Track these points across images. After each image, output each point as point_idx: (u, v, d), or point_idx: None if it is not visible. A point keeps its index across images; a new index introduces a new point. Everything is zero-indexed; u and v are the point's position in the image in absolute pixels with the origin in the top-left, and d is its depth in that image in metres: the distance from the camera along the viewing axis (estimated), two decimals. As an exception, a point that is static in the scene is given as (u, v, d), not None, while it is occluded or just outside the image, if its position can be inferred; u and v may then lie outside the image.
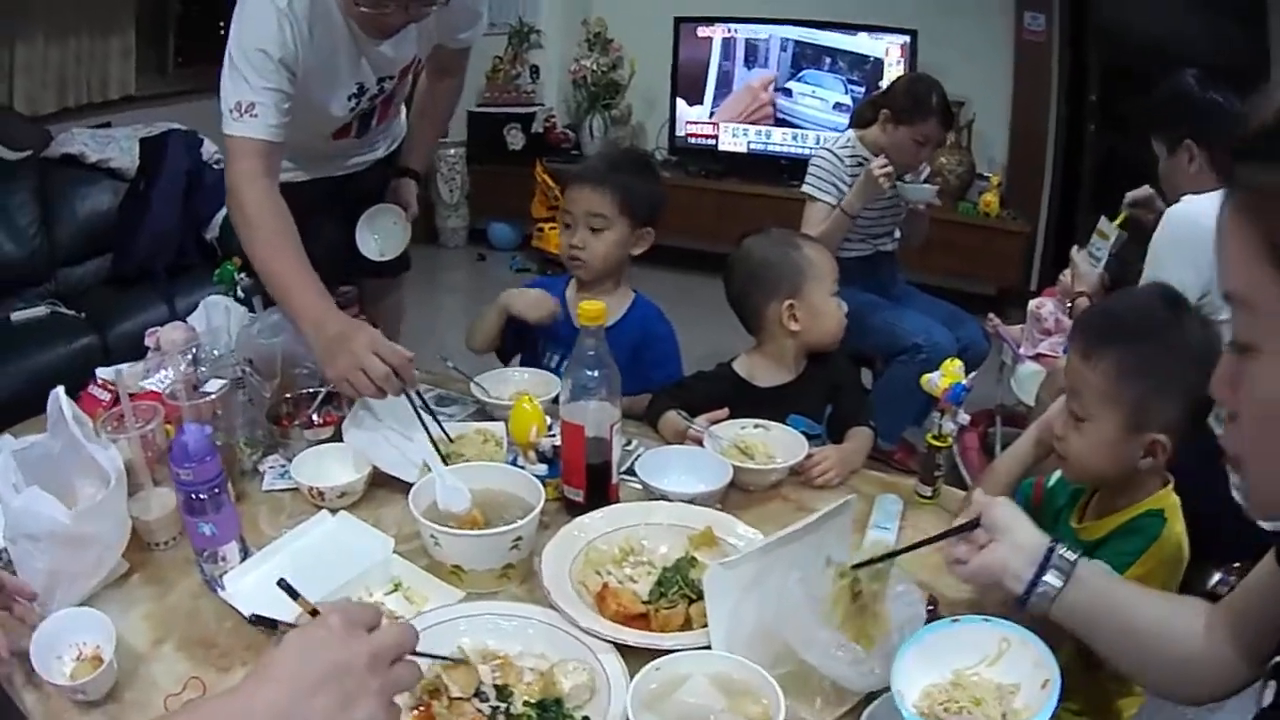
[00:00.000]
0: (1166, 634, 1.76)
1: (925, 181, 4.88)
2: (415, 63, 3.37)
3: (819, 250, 3.02)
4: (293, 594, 1.44)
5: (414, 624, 1.78)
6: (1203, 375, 2.07)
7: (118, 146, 6.46)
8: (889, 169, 4.44)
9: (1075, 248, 4.17)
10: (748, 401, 2.91)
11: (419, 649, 1.51)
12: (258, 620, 1.44)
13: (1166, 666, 1.77)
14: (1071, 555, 1.78)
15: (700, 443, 2.71)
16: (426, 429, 2.65)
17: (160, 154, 6.27)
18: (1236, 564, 2.82)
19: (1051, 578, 1.76)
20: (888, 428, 4.42)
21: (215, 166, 6.30)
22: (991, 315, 4.86)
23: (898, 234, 5.02)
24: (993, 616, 1.80)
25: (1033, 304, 4.59)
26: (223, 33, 2.93)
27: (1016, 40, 7.34)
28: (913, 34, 7.41)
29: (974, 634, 1.73)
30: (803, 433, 2.75)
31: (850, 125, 5.01)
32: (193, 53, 7.20)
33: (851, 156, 4.74)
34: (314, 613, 1.45)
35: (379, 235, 3.66)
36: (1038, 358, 4.51)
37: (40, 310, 5.77)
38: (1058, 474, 2.34)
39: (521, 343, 3.36)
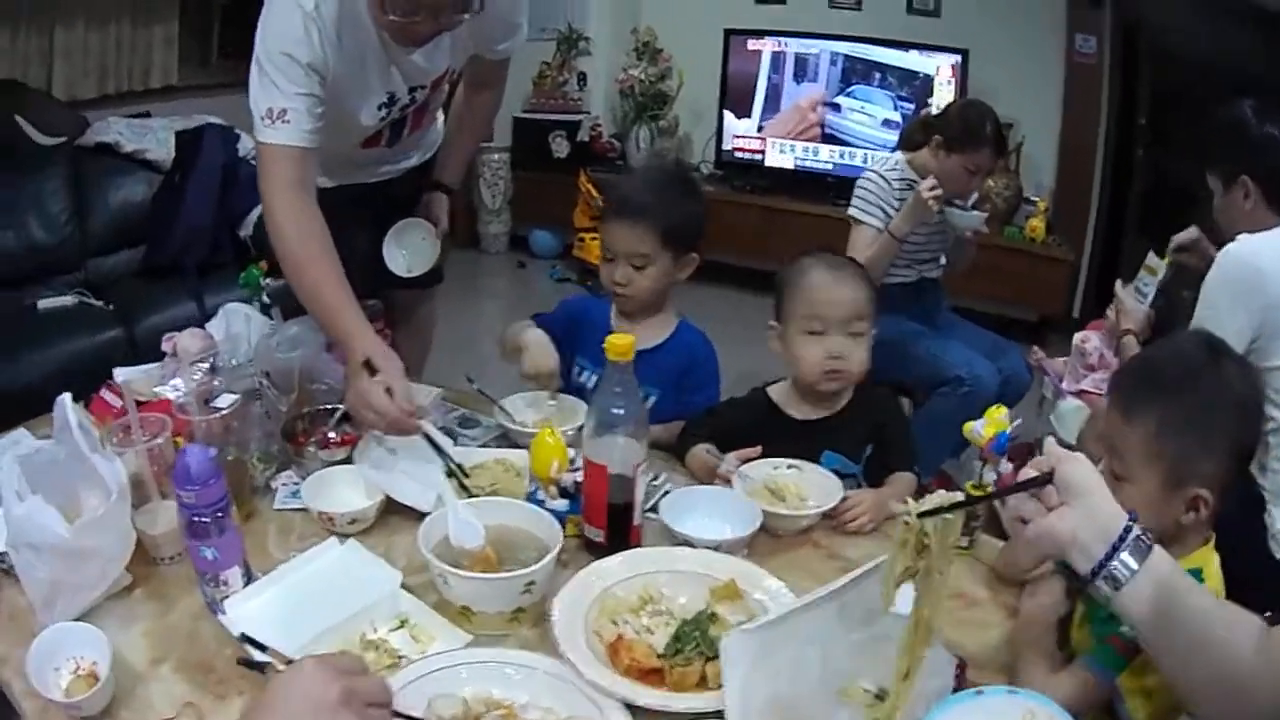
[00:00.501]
0: (1231, 651, 1.64)
1: (973, 208, 4.78)
2: (449, 73, 3.29)
3: (817, 284, 2.85)
4: (260, 647, 1.47)
5: (414, 668, 1.85)
6: (1244, 424, 1.99)
7: (154, 138, 6.48)
8: (938, 191, 4.35)
9: (1119, 283, 4.07)
10: (780, 433, 2.81)
11: (397, 709, 1.61)
12: (245, 663, 1.46)
13: (1225, 684, 1.65)
14: (1149, 538, 1.66)
15: (729, 482, 2.61)
16: (442, 458, 2.60)
17: (196, 147, 6.29)
18: (1267, 613, 2.74)
19: (1125, 561, 1.64)
20: (925, 461, 4.34)
21: (251, 162, 6.24)
22: (1035, 348, 4.76)
23: (943, 260, 4.93)
24: (1019, 689, 1.71)
25: (1077, 338, 4.48)
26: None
27: (1067, 62, 7.29)
28: (964, 53, 7.34)
29: (999, 706, 1.62)
30: (835, 470, 2.66)
31: (898, 147, 4.95)
32: (237, 44, 7.15)
33: (900, 180, 4.66)
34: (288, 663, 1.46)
35: (407, 250, 3.57)
36: (1081, 394, 4.40)
37: (68, 299, 5.77)
38: None
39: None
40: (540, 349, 3.07)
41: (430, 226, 3.58)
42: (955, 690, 1.85)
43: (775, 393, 2.93)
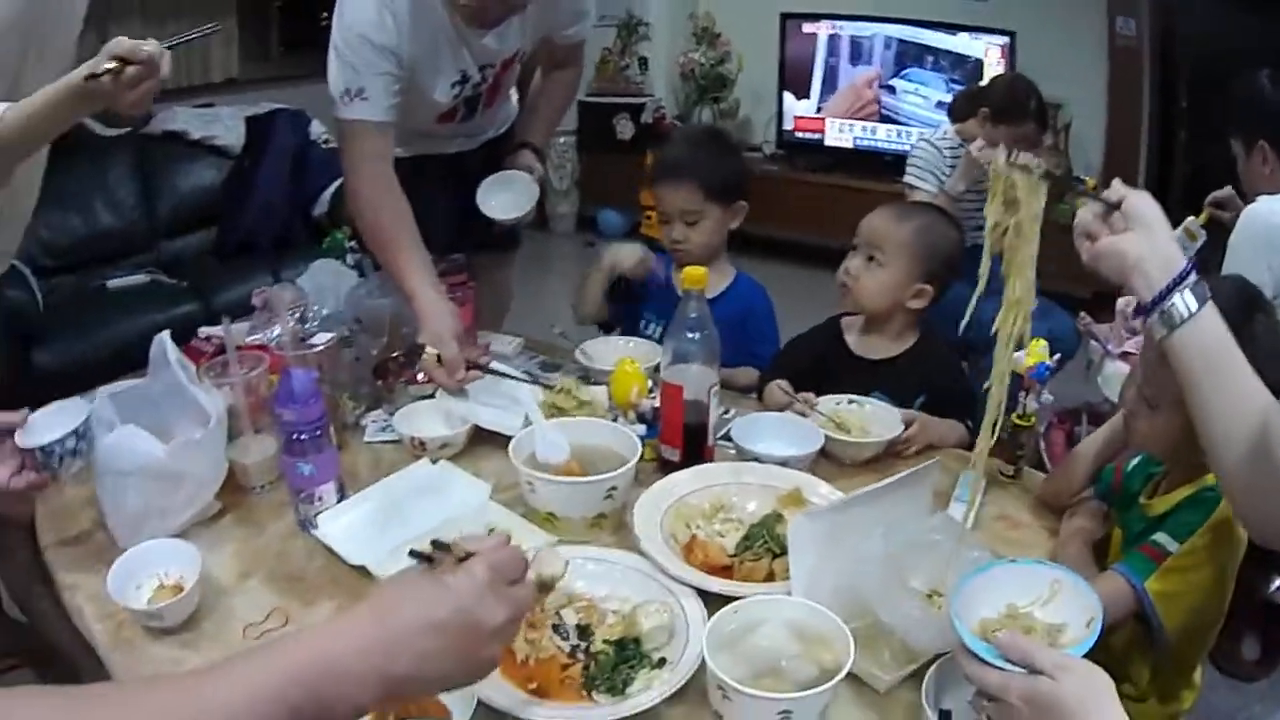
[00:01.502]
0: (1274, 427, 1.66)
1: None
2: (519, 54, 3.40)
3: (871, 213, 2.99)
4: (429, 559, 1.38)
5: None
6: (1265, 376, 2.03)
7: (222, 125, 6.59)
8: (989, 152, 4.46)
9: None
10: (838, 364, 2.98)
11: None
12: (416, 555, 1.38)
13: (1263, 461, 1.67)
14: (1206, 287, 1.70)
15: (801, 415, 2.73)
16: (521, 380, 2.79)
17: (267, 132, 6.45)
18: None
19: (1184, 299, 1.68)
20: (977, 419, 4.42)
21: (323, 145, 6.44)
22: (1083, 314, 4.84)
23: (993, 226, 5.01)
24: (1048, 561, 1.80)
25: (1121, 301, 4.52)
26: (325, 22, 3.02)
27: (1110, 45, 7.29)
28: (1012, 35, 7.40)
29: (1029, 574, 1.70)
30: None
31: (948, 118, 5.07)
32: (296, 38, 7.31)
33: (950, 148, 4.83)
34: (467, 556, 1.39)
35: (507, 195, 3.50)
36: (1124, 356, 4.48)
37: (139, 278, 5.92)
38: (1136, 459, 2.34)
39: (623, 312, 3.42)
40: (631, 246, 3.34)
41: (526, 172, 3.55)
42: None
43: (846, 322, 3.05)
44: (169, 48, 2.34)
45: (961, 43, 7.69)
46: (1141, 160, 7.29)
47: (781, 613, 1.86)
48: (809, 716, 1.71)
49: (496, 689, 1.78)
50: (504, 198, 3.48)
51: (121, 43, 2.27)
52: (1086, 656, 1.50)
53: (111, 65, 2.26)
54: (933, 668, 1.78)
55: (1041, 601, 1.66)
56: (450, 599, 1.33)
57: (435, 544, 1.39)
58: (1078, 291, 6.84)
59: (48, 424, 2.16)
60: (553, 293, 6.81)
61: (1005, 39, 7.43)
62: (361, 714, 1.28)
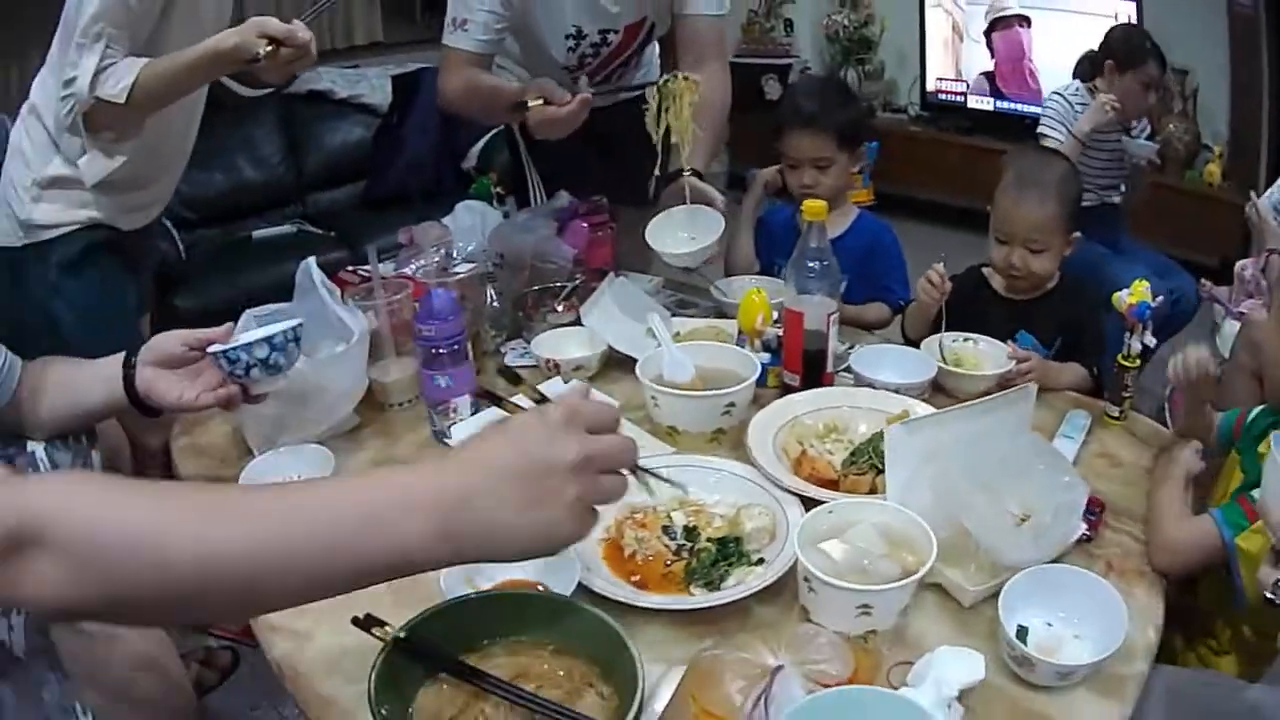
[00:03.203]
0: None
1: (1146, 139, 5.08)
2: (645, 23, 3.53)
3: (1002, 201, 2.99)
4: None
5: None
6: None
7: (368, 84, 6.78)
8: (1117, 103, 4.73)
9: (1251, 202, 4.26)
10: (985, 305, 3.06)
11: (641, 464, 1.41)
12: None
13: None
14: None
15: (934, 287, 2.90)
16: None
17: (414, 90, 6.58)
18: None
19: None
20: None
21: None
22: (1204, 280, 4.88)
23: (1122, 188, 5.21)
24: None
25: (1238, 265, 4.51)
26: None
27: (1229, 13, 7.11)
28: (1138, 2, 7.23)
29: None
30: (1029, 350, 2.83)
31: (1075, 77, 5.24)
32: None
33: (1079, 101, 4.99)
34: (541, 399, 1.40)
35: (687, 231, 3.13)
36: (1241, 316, 4.50)
37: (286, 228, 6.11)
38: (1259, 407, 2.32)
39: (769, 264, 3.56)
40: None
41: (708, 204, 3.19)
42: (1090, 528, 2.08)
43: (989, 270, 3.12)
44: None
45: (1091, 5, 7.52)
46: (1264, 130, 7.09)
47: (872, 515, 1.97)
48: (888, 613, 1.82)
49: (598, 575, 1.95)
50: (680, 235, 3.13)
51: (269, 23, 2.62)
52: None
53: (268, 47, 2.60)
54: (1011, 580, 1.83)
55: None
56: (514, 440, 1.28)
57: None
58: (1206, 260, 6.78)
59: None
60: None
61: (1131, 5, 7.23)
62: (415, 559, 1.26)
